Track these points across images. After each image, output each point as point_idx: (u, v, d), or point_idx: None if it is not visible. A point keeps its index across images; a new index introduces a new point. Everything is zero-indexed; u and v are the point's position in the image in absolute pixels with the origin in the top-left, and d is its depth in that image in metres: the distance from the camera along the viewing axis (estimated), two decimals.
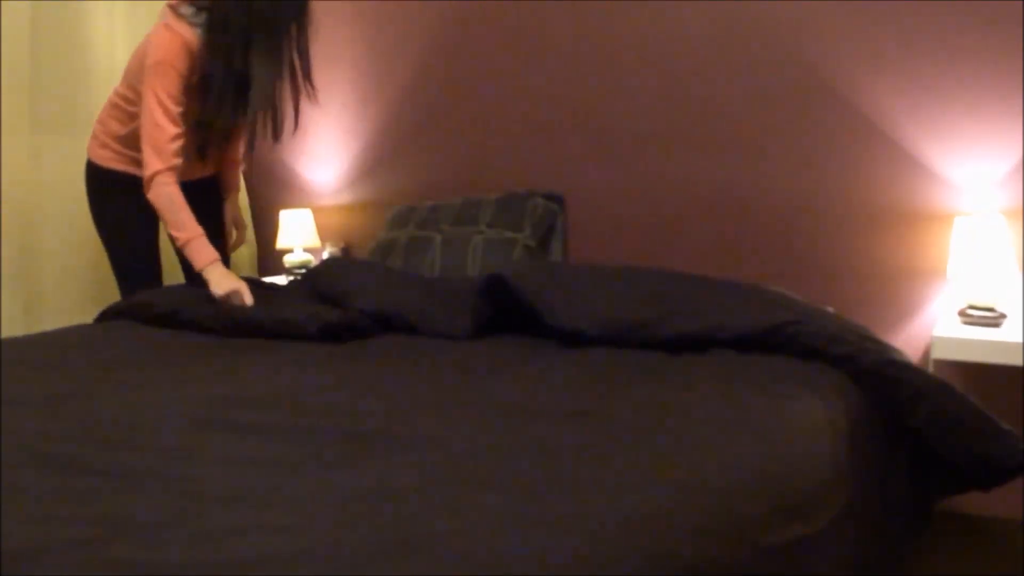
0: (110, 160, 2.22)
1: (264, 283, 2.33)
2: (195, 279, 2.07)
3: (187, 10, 2.03)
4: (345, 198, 2.95)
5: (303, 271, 2.53)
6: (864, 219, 2.26)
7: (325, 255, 2.91)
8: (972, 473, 1.61)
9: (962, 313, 1.99)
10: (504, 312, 1.84)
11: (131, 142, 2.16)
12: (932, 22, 2.16)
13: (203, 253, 2.04)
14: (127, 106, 2.16)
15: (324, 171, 2.99)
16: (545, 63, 2.61)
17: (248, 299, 1.99)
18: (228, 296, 1.99)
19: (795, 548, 1.00)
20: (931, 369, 2.02)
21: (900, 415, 1.53)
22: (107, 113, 2.22)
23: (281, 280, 2.75)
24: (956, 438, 1.54)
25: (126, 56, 2.58)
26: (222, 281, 2.01)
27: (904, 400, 1.52)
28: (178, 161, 2.04)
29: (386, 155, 2.86)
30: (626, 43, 2.50)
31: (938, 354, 1.86)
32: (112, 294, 2.38)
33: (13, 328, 2.36)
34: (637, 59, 2.49)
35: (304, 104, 2.22)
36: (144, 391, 1.40)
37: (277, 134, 2.19)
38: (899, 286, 2.23)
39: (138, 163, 2.11)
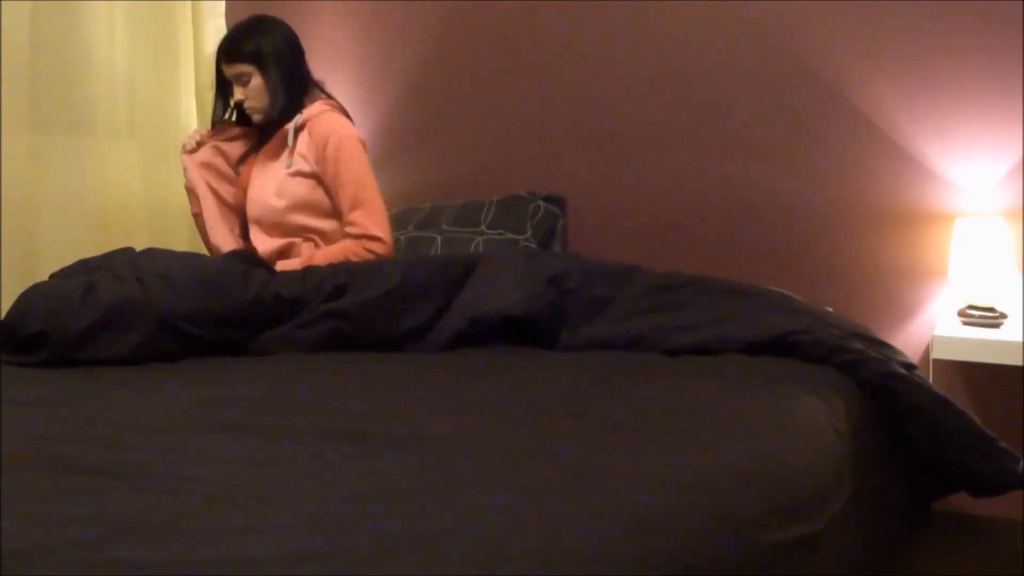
0: None
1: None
2: None
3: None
4: None
5: None
6: (864, 219, 2.26)
7: None
8: (966, 483, 1.62)
9: (962, 313, 1.99)
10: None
11: None
12: (932, 22, 2.16)
13: None
14: None
15: None
16: (545, 63, 2.61)
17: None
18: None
19: (795, 548, 1.00)
20: (931, 369, 2.02)
21: (898, 423, 1.54)
22: None
23: None
24: (951, 453, 1.54)
25: (126, 56, 2.58)
26: None
27: (901, 412, 1.53)
28: None
29: (386, 155, 2.86)
30: (627, 43, 2.50)
31: (938, 354, 1.86)
32: None
33: None
34: (638, 59, 2.49)
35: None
36: (144, 391, 1.40)
37: None
38: (899, 286, 2.23)
39: None
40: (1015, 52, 2.08)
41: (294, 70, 2.23)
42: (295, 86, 2.22)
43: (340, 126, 2.15)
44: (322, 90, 2.30)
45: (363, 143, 2.20)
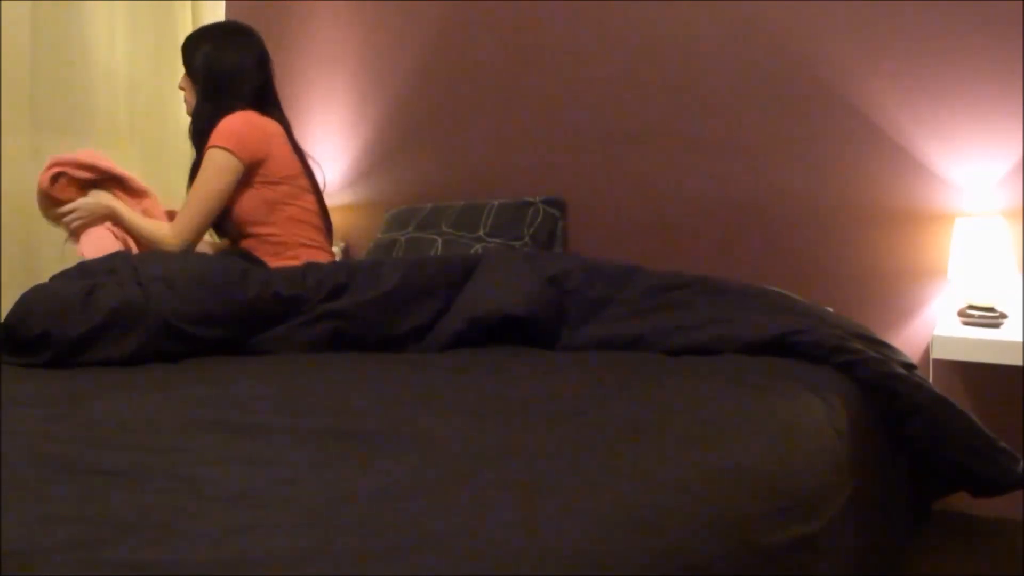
0: None
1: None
2: None
3: None
4: (345, 198, 2.95)
5: None
6: (864, 219, 2.26)
7: None
8: (966, 483, 1.62)
9: (962, 313, 1.99)
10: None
11: None
12: (932, 22, 2.16)
13: None
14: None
15: (324, 170, 2.99)
16: (546, 64, 2.61)
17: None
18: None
19: (795, 548, 1.00)
20: (931, 369, 2.02)
21: (898, 423, 1.54)
22: None
23: None
24: (951, 453, 1.54)
25: (126, 56, 2.58)
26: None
27: (901, 412, 1.53)
28: None
29: (386, 155, 2.86)
30: (626, 44, 2.50)
31: (938, 354, 1.86)
32: None
33: None
34: (638, 60, 2.49)
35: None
36: (144, 391, 1.40)
37: None
38: (899, 286, 2.23)
39: None
40: (1015, 52, 2.08)
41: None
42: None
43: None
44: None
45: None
